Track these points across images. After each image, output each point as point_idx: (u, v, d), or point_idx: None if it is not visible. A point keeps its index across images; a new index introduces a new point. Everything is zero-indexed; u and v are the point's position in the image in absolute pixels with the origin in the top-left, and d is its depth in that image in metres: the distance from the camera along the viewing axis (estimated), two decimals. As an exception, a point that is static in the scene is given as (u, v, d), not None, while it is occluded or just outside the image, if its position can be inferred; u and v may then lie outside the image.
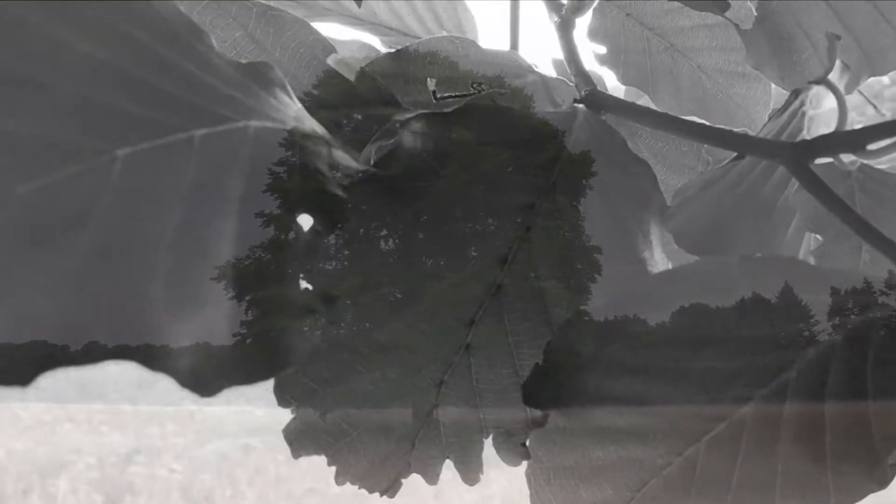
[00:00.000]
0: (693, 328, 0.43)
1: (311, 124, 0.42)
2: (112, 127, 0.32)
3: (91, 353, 0.29)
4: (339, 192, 0.37)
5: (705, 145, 0.60)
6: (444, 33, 0.93)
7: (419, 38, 0.92)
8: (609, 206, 0.50)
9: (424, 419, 0.47)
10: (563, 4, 0.69)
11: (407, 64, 0.62)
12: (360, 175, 0.39)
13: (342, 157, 0.40)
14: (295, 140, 0.39)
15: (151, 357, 0.29)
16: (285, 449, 0.46)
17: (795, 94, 0.52)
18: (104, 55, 0.34)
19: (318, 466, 0.46)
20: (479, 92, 0.61)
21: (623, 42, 0.73)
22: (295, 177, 0.37)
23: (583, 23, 0.72)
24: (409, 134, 0.47)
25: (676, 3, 0.69)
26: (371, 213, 0.44)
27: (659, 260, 0.51)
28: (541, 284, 0.48)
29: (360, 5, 0.88)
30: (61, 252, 0.29)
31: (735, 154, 0.53)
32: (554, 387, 0.46)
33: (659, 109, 0.68)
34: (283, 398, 0.45)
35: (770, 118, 0.55)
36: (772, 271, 0.46)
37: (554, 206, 0.49)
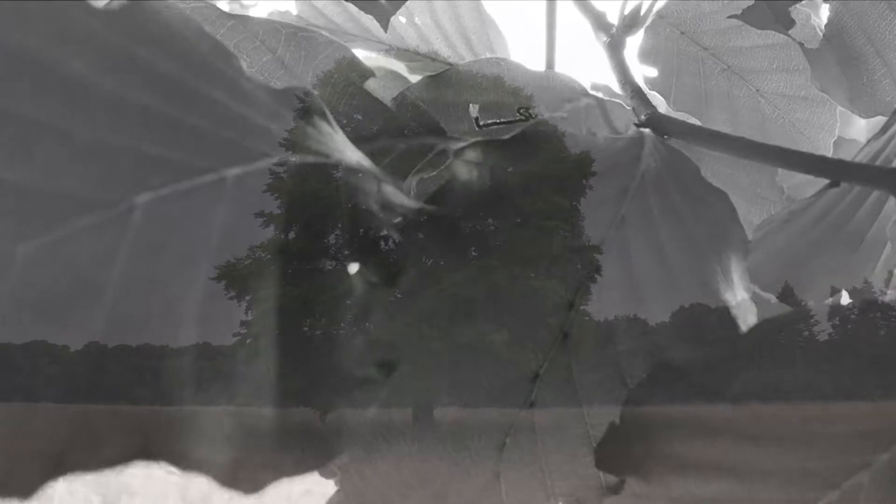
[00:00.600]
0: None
1: (357, 157, 0.36)
2: (129, 171, 0.27)
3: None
4: (394, 235, 0.31)
5: (778, 173, 0.54)
6: (473, 58, 0.88)
7: (448, 64, 0.87)
8: (685, 242, 0.44)
9: (485, 487, 0.41)
10: (611, 24, 0.64)
11: (447, 88, 0.57)
12: (414, 214, 0.33)
13: (393, 193, 0.34)
14: (340, 175, 0.33)
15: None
16: None
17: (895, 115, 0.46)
18: (121, 89, 0.29)
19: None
20: (527, 119, 0.56)
21: (676, 63, 0.68)
22: (344, 219, 0.31)
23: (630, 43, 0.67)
24: (463, 164, 0.41)
25: (735, 21, 0.64)
26: (428, 258, 0.38)
27: (742, 301, 0.45)
28: (612, 333, 0.42)
29: (386, 30, 0.82)
30: (72, 329, 0.23)
31: (824, 184, 0.47)
32: (631, 450, 0.40)
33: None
34: (325, 469, 0.39)
35: (868, 142, 0.49)
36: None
37: (623, 243, 0.44)
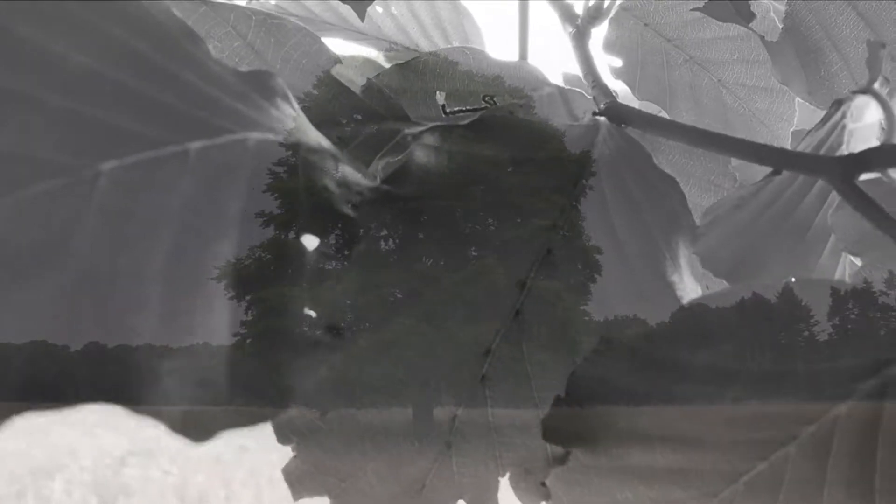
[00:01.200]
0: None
1: (317, 137, 0.38)
2: (96, 139, 0.29)
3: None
4: (349, 212, 0.33)
5: (732, 161, 0.56)
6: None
7: (423, 52, 0.88)
8: (636, 227, 0.46)
9: (436, 457, 0.43)
10: (577, 14, 0.66)
11: (415, 76, 0.59)
12: (369, 192, 0.35)
13: (350, 172, 0.36)
14: (299, 154, 0.35)
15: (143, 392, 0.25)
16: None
17: (837, 105, 0.48)
18: (90, 61, 0.30)
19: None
20: (492, 106, 0.58)
21: (640, 54, 0.70)
22: (300, 194, 0.33)
23: (597, 34, 0.69)
24: (421, 148, 0.43)
25: (698, 14, 0.66)
26: (381, 234, 0.40)
27: (688, 284, 0.47)
28: (563, 310, 0.44)
29: (363, 19, 0.84)
30: (36, 287, 0.25)
31: (769, 171, 0.49)
32: (578, 421, 0.42)
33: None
34: (282, 435, 0.41)
35: (808, 132, 0.52)
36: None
37: (577, 226, 0.46)
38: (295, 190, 0.32)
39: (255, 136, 0.33)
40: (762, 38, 0.64)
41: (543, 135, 0.47)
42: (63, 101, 0.28)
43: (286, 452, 0.43)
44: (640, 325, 0.45)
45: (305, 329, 0.29)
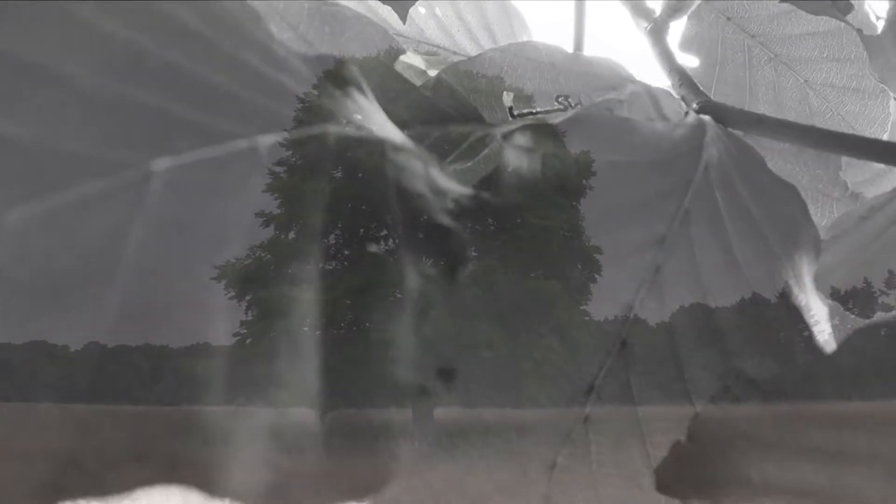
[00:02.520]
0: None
1: (398, 133, 0.32)
2: (147, 132, 0.22)
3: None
4: (449, 223, 0.26)
5: (842, 168, 0.50)
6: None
7: (469, 56, 0.83)
8: (754, 239, 0.40)
9: (533, 513, 0.37)
10: (652, 10, 0.60)
11: (481, 74, 0.53)
12: (467, 200, 0.28)
13: (441, 177, 0.29)
14: (385, 153, 0.28)
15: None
16: None
17: None
18: (141, 41, 0.24)
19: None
20: (566, 108, 0.51)
21: (720, 52, 0.63)
22: (391, 200, 0.26)
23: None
24: (513, 150, 0.36)
25: (786, 7, 0.59)
26: (479, 253, 0.33)
27: (816, 308, 0.40)
28: (675, 340, 0.38)
29: (405, 21, 0.78)
30: (80, 310, 0.18)
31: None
32: (700, 471, 0.36)
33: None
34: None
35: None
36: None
37: (688, 240, 0.39)
38: (385, 195, 0.25)
39: (334, 129, 0.26)
40: (859, 31, 0.57)
41: (647, 135, 0.40)
42: (101, 82, 0.21)
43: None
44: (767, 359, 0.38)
45: (409, 376, 0.22)
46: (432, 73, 0.78)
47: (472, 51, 0.82)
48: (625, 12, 0.62)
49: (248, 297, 0.24)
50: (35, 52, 0.22)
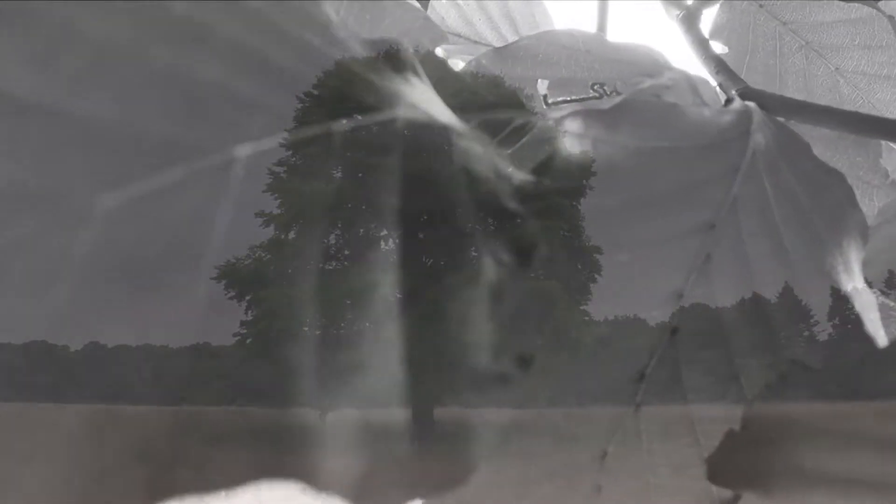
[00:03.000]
0: None
1: (457, 118, 0.31)
2: (229, 117, 0.22)
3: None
4: (516, 207, 0.26)
5: (882, 155, 0.49)
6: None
7: (490, 45, 0.82)
8: (802, 226, 0.39)
9: (584, 500, 0.36)
10: (683, -3, 0.59)
11: (516, 62, 0.52)
12: (531, 187, 0.28)
13: (503, 163, 0.29)
14: (451, 137, 0.28)
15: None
16: None
17: None
18: (209, 20, 0.23)
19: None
20: (601, 95, 0.51)
21: (751, 40, 0.63)
22: (459, 187, 0.26)
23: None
24: (564, 136, 0.36)
25: (819, -9, 0.59)
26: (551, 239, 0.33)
27: (865, 294, 0.40)
28: (725, 327, 0.37)
29: (426, 10, 0.77)
30: (170, 299, 0.18)
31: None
32: (752, 461, 0.35)
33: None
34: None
35: None
36: None
37: (736, 227, 0.38)
38: (453, 179, 0.25)
39: (402, 114, 0.26)
40: (891, 18, 0.57)
41: (695, 121, 0.39)
42: (181, 63, 0.21)
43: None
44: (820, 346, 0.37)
45: (480, 359, 0.22)
46: (452, 62, 0.78)
47: (494, 40, 0.82)
48: (648, 5, 0.62)
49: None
50: (108, 31, 0.21)
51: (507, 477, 0.36)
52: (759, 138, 0.41)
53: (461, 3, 0.81)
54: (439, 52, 0.81)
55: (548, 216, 0.39)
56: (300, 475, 0.18)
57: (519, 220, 0.26)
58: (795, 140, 0.42)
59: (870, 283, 0.45)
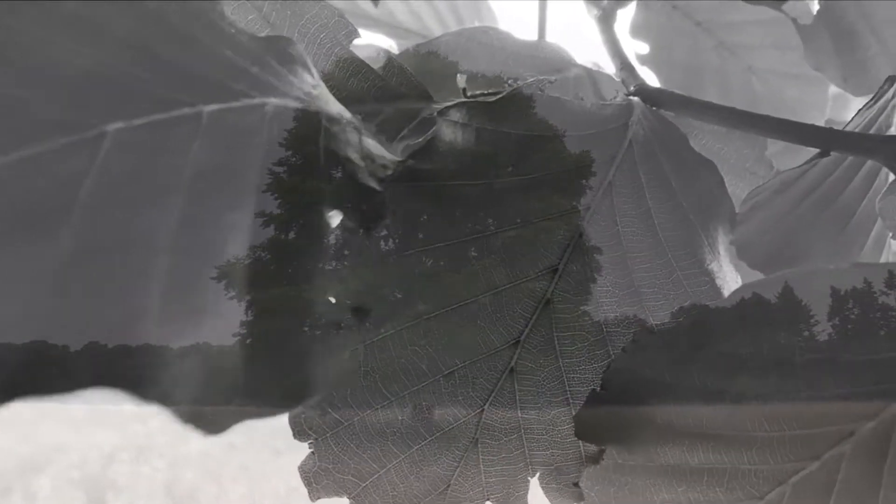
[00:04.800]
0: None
1: (338, 108, 0.36)
2: (103, 98, 0.26)
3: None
4: (374, 185, 0.30)
5: (768, 148, 0.54)
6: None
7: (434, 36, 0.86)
8: (673, 211, 0.44)
9: (462, 455, 0.41)
10: (602, -3, 0.63)
11: (435, 57, 0.56)
12: (395, 167, 0.32)
13: (374, 146, 0.33)
14: (321, 123, 0.32)
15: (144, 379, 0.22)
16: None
17: (891, 82, 0.45)
18: (98, 16, 0.28)
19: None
20: (516, 90, 0.55)
21: (668, 38, 0.67)
22: (320, 165, 0.30)
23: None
24: (448, 125, 0.40)
25: (729, -5, 0.63)
26: (408, 213, 0.37)
27: (728, 273, 0.44)
28: (596, 299, 0.42)
29: (376, 5, 0.82)
30: (39, 243, 0.22)
31: (812, 155, 0.46)
32: (613, 418, 0.40)
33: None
34: (300, 431, 0.38)
35: (858, 112, 0.49)
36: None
37: (611, 209, 0.43)
38: (314, 159, 0.29)
39: (273, 101, 0.30)
40: (795, 21, 0.61)
41: (576, 113, 0.44)
42: (63, 51, 0.25)
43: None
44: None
45: (328, 312, 0.26)
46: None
47: (440, 33, 0.85)
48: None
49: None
50: (22, 23, 0.25)
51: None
52: (637, 130, 0.45)
53: (410, -1, 0.85)
54: (392, 46, 0.85)
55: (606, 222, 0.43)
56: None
57: (372, 194, 0.30)
58: (674, 132, 0.46)
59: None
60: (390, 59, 0.49)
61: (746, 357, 0.37)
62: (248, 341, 0.27)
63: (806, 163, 0.44)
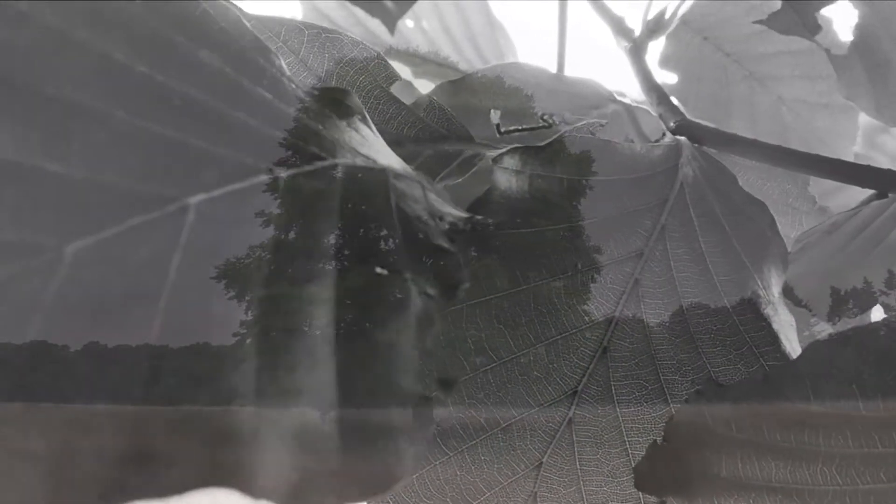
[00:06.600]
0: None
1: (399, 161, 0.35)
2: (181, 168, 0.25)
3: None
4: (447, 245, 0.29)
5: (810, 183, 0.53)
6: (482, 63, 0.87)
7: (456, 68, 0.85)
8: (726, 253, 0.43)
9: (521, 507, 0.40)
10: (632, 29, 0.63)
11: (470, 93, 0.55)
12: (463, 223, 0.31)
13: (438, 201, 0.32)
14: (389, 180, 0.31)
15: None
16: None
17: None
18: (167, 79, 0.27)
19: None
20: (550, 125, 0.54)
21: (698, 70, 0.67)
22: (394, 227, 0.29)
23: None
24: (502, 172, 0.39)
25: (759, 27, 0.63)
26: (483, 269, 0.36)
27: (783, 316, 0.43)
28: (653, 347, 0.41)
29: (393, 34, 0.81)
30: (127, 334, 0.21)
31: (859, 196, 0.45)
32: (674, 470, 0.39)
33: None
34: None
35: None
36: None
37: (665, 253, 0.42)
38: (388, 220, 0.28)
39: (343, 161, 0.29)
40: (827, 51, 0.60)
41: (626, 156, 0.43)
42: (135, 118, 0.24)
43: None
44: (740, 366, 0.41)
45: (412, 384, 0.25)
46: (419, 83, 0.81)
47: (459, 62, 0.84)
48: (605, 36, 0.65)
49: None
50: (72, 93, 0.24)
51: (450, 485, 0.40)
52: (687, 171, 0.44)
53: (426, 26, 0.84)
54: (406, 74, 0.84)
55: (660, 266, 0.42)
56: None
57: (447, 256, 0.29)
58: (723, 172, 0.46)
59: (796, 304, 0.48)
60: (430, 99, 0.48)
61: (817, 411, 0.36)
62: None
63: (860, 204, 0.44)
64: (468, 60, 0.86)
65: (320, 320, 0.26)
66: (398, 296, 0.27)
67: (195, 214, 0.24)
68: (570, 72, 0.66)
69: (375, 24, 0.80)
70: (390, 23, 0.77)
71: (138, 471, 0.20)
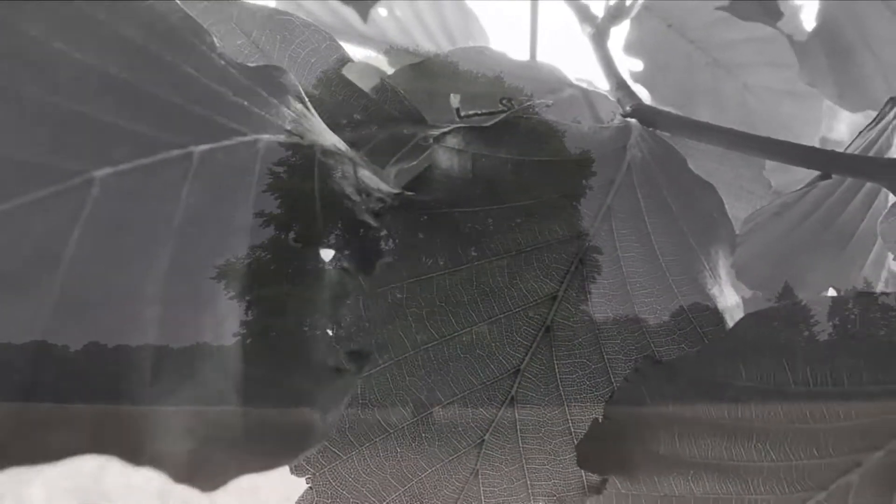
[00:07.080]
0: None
1: (333, 139, 0.35)
2: (89, 142, 0.25)
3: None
4: (371, 220, 0.29)
5: (765, 167, 0.53)
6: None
7: (429, 56, 0.85)
8: (672, 234, 0.43)
9: (462, 486, 0.40)
10: (596, 15, 0.63)
11: (429, 78, 0.56)
12: (392, 200, 0.32)
13: (370, 178, 0.33)
14: (315, 157, 0.31)
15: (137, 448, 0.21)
16: None
17: (892, 104, 0.44)
18: (83, 56, 0.27)
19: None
20: (509, 109, 0.54)
21: (662, 57, 0.67)
22: (315, 201, 0.29)
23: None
24: (444, 151, 0.39)
25: (722, 14, 0.63)
26: (406, 246, 0.37)
27: (729, 296, 0.43)
28: (596, 326, 0.41)
29: (366, 21, 0.81)
30: (26, 299, 0.21)
31: (813, 177, 0.45)
32: (616, 448, 0.39)
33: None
34: (298, 466, 0.38)
35: (858, 135, 0.48)
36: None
37: (610, 233, 0.42)
38: (310, 196, 0.29)
39: (265, 137, 0.29)
40: (789, 38, 0.61)
41: (574, 137, 0.43)
42: (46, 95, 0.24)
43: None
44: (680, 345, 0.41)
45: (322, 355, 0.26)
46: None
47: (432, 50, 0.84)
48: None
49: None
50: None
51: (390, 465, 0.40)
52: (635, 153, 0.45)
53: (400, 15, 0.84)
54: (381, 62, 0.84)
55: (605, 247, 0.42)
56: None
57: (369, 231, 0.29)
58: (672, 154, 0.46)
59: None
60: (383, 82, 0.49)
61: (750, 387, 0.36)
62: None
63: (807, 185, 0.44)
64: (441, 49, 0.86)
65: (231, 291, 0.26)
66: (310, 267, 0.27)
67: (100, 188, 0.24)
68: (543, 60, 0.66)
69: (349, 13, 0.80)
70: (363, 11, 0.78)
71: (19, 435, 0.20)
